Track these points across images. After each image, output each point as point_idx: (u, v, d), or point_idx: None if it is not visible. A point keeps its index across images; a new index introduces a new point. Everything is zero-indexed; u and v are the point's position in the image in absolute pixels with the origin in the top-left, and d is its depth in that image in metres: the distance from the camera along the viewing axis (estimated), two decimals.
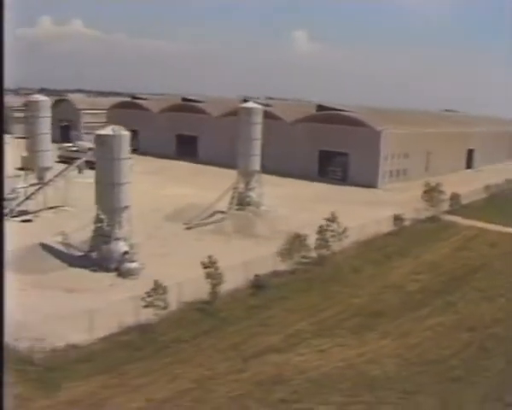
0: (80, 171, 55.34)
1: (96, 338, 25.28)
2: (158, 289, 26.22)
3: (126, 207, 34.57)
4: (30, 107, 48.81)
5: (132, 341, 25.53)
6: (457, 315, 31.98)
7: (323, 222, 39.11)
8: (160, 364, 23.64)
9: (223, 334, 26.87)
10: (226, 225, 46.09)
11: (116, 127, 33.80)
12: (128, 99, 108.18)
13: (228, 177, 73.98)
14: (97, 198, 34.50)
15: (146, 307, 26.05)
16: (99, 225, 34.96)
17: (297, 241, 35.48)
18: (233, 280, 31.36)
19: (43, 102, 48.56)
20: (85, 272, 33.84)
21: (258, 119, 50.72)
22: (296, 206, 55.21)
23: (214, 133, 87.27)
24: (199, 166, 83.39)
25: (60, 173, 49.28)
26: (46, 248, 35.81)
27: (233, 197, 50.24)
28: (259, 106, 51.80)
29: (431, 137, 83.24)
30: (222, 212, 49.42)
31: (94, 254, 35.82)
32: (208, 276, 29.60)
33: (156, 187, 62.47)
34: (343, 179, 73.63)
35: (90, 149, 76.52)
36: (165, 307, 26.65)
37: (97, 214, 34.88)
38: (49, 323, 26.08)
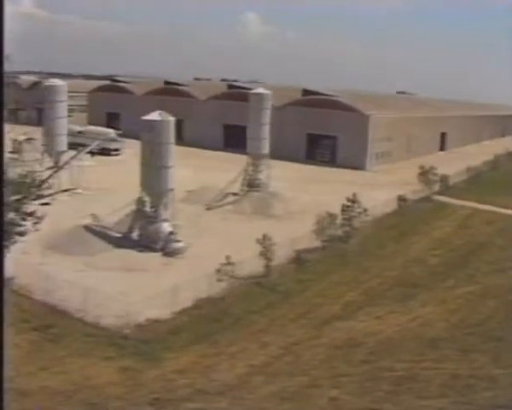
0: (93, 155, 55.70)
1: (172, 312, 26.93)
2: (228, 264, 28.08)
3: (172, 189, 35.92)
4: (46, 91, 48.68)
5: (208, 314, 27.28)
6: (479, 285, 35.22)
7: (328, 202, 41.62)
8: (244, 333, 25.56)
9: (287, 305, 29.01)
10: (245, 206, 48.01)
11: (163, 113, 34.91)
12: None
13: (218, 158, 75.39)
14: (143, 181, 35.65)
15: (219, 281, 27.89)
16: (141, 207, 36.15)
17: (328, 219, 37.84)
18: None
19: (61, 86, 48.56)
20: (133, 253, 35.07)
21: (268, 104, 52.57)
22: (295, 187, 57.23)
23: (199, 116, 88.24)
24: (185, 148, 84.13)
25: (74, 157, 49.64)
26: (88, 230, 36.75)
27: (244, 179, 52.05)
28: (269, 92, 53.53)
29: (410, 121, 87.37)
30: (234, 194, 51.25)
31: (134, 235, 37.05)
32: (262, 253, 31.60)
33: None
34: (331, 162, 76.51)
35: (79, 132, 76.49)
36: (233, 280, 28.59)
37: (140, 196, 36.04)
38: (124, 301, 27.35)
